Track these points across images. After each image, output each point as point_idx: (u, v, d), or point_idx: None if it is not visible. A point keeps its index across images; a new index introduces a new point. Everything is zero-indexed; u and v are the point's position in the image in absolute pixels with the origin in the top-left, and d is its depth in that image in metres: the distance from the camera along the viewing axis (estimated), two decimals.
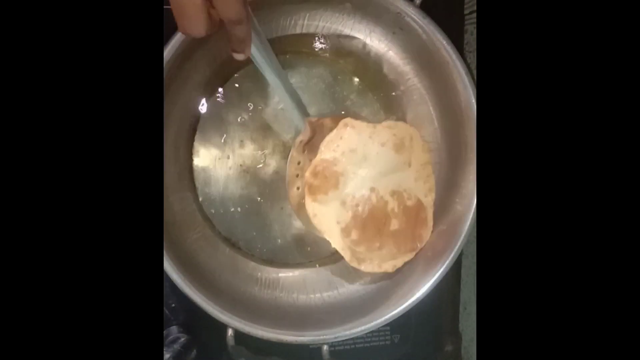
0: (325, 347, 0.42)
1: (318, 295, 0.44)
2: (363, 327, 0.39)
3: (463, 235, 0.39)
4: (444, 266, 0.39)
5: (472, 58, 0.45)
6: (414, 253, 0.42)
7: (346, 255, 0.40)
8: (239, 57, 0.32)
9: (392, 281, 0.42)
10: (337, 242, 0.40)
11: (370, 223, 0.40)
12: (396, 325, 0.47)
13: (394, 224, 0.41)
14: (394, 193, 0.41)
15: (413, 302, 0.39)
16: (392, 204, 0.41)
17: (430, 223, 0.42)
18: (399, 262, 0.42)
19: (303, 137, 0.40)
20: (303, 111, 0.41)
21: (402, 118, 0.44)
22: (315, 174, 0.39)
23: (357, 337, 0.47)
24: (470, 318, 0.49)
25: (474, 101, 0.38)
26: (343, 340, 0.46)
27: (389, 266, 0.42)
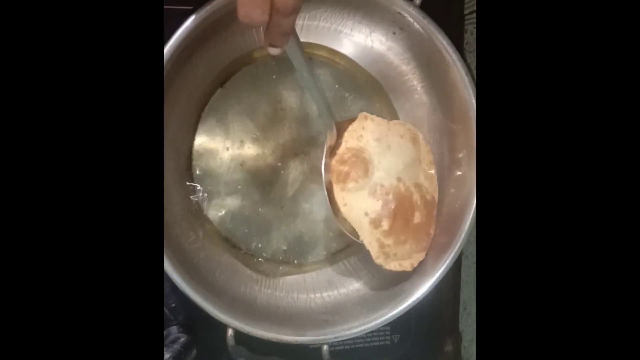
0: (325, 347, 0.42)
1: (318, 295, 0.44)
2: (363, 327, 0.39)
3: (463, 235, 0.39)
4: (444, 266, 0.39)
5: (472, 58, 0.45)
6: (424, 253, 0.41)
7: (373, 249, 0.39)
8: (275, 51, 0.30)
9: (392, 281, 0.42)
10: (365, 234, 0.39)
11: (399, 213, 0.39)
12: (396, 325, 0.47)
13: (417, 217, 0.40)
14: (416, 185, 0.40)
15: (413, 302, 0.39)
16: (416, 196, 0.40)
17: (435, 223, 0.42)
18: (415, 261, 0.41)
19: (331, 141, 0.39)
20: (331, 114, 0.39)
21: (402, 118, 0.44)
22: (343, 162, 0.38)
23: (357, 337, 0.47)
24: (470, 318, 0.49)
25: (474, 101, 0.38)
26: (343, 340, 0.46)
27: (407, 264, 0.40)
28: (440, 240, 0.41)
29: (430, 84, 0.43)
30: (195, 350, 0.43)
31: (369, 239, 0.39)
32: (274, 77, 0.44)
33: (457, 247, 0.39)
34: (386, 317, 0.39)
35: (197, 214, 0.43)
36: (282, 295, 0.44)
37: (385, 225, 0.39)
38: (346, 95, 0.45)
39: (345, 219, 0.39)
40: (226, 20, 0.37)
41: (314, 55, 0.44)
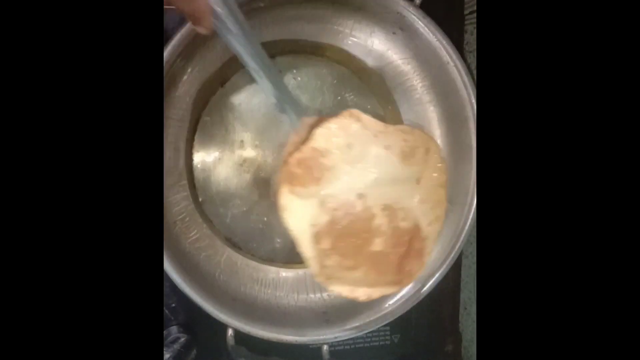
0: (325, 347, 0.42)
1: (318, 295, 0.44)
2: (363, 327, 0.39)
3: (463, 235, 0.39)
4: (444, 266, 0.39)
5: (472, 58, 0.45)
6: (398, 289, 0.36)
7: (314, 267, 0.34)
8: (201, 30, 0.29)
9: None
10: (305, 247, 0.34)
11: (347, 235, 0.34)
12: (396, 325, 0.47)
13: (377, 244, 0.34)
14: (386, 208, 0.35)
15: (413, 302, 0.39)
16: (381, 220, 0.34)
17: (426, 259, 0.36)
18: (375, 293, 0.35)
19: (297, 137, 0.35)
20: (297, 109, 0.36)
21: (401, 119, 0.44)
22: (299, 162, 0.33)
23: (357, 337, 0.47)
24: (470, 318, 0.49)
25: (474, 101, 0.38)
26: (343, 340, 0.46)
27: (362, 294, 0.35)
28: (440, 240, 0.41)
29: (430, 84, 0.43)
30: (195, 350, 0.43)
31: (307, 253, 0.34)
32: None
33: (457, 246, 0.40)
34: (386, 317, 0.39)
35: (197, 214, 0.43)
36: (282, 295, 0.44)
37: (326, 243, 0.34)
38: (346, 95, 0.45)
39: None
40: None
41: (314, 55, 0.44)
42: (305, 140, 0.35)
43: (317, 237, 0.34)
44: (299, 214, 0.34)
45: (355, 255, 0.34)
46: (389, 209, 0.35)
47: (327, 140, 0.34)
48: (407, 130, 0.36)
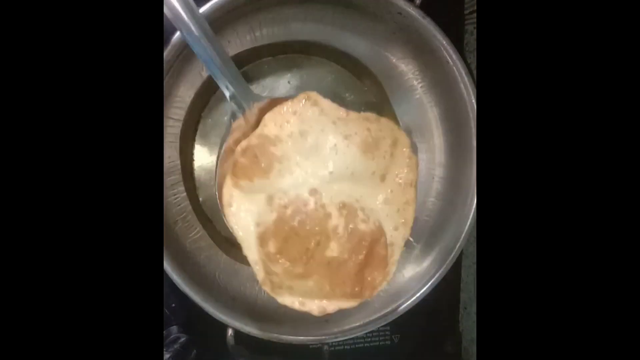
0: (325, 347, 0.42)
1: None
2: (363, 327, 0.39)
3: (463, 235, 0.39)
4: (444, 266, 0.39)
5: (472, 58, 0.45)
6: (357, 303, 0.31)
7: (259, 272, 0.30)
8: None
9: (392, 281, 0.42)
10: (250, 250, 0.30)
11: (297, 237, 0.30)
12: (396, 325, 0.47)
13: (332, 249, 0.30)
14: (344, 207, 0.30)
15: (413, 302, 0.39)
16: (337, 221, 0.30)
17: (392, 268, 0.31)
18: (330, 307, 0.31)
19: (245, 122, 0.30)
20: (246, 92, 0.30)
21: (401, 118, 0.44)
22: (245, 151, 0.28)
23: (357, 337, 0.47)
24: (470, 318, 0.49)
25: (474, 101, 0.38)
26: (343, 340, 0.46)
27: (314, 307, 0.31)
28: (440, 240, 0.41)
29: (430, 84, 0.43)
30: (195, 350, 0.43)
31: (253, 256, 0.30)
32: (275, 76, 0.44)
33: (457, 246, 0.40)
34: (386, 317, 0.39)
35: (197, 214, 0.43)
36: None
37: (272, 246, 0.29)
38: (346, 95, 0.45)
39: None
40: (226, 20, 0.37)
41: (313, 55, 0.44)
42: (254, 126, 0.30)
43: (262, 238, 0.29)
44: (243, 212, 0.29)
45: (306, 262, 0.30)
46: (347, 209, 0.30)
47: (278, 127, 0.29)
48: (371, 118, 0.31)
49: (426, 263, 0.41)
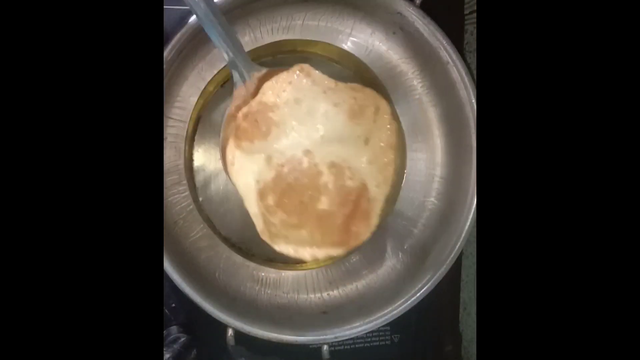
0: (325, 347, 0.42)
1: (318, 295, 0.44)
2: (363, 327, 0.39)
3: (463, 235, 0.39)
4: (444, 266, 0.39)
5: (472, 58, 0.45)
6: (344, 251, 0.35)
7: (258, 223, 0.34)
8: None
9: (392, 281, 0.42)
10: (251, 204, 0.34)
11: (293, 191, 0.34)
12: (396, 325, 0.47)
13: (323, 202, 0.34)
14: (333, 166, 0.34)
15: (413, 302, 0.39)
16: (327, 178, 0.34)
17: (374, 221, 0.35)
18: (320, 254, 0.35)
19: (246, 91, 0.34)
20: (247, 64, 0.34)
21: (401, 118, 0.44)
22: (246, 116, 0.33)
23: (357, 337, 0.47)
24: (470, 318, 0.49)
25: (474, 101, 0.38)
26: (343, 340, 0.46)
27: (306, 254, 0.35)
28: (440, 240, 0.41)
29: (430, 83, 0.43)
30: (195, 350, 0.43)
31: (253, 209, 0.34)
32: None
33: (457, 246, 0.40)
34: (386, 317, 0.39)
35: (197, 214, 0.43)
36: (282, 295, 0.44)
37: (270, 200, 0.33)
38: None
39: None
40: (226, 20, 0.37)
41: (315, 55, 0.44)
42: (254, 94, 0.34)
43: (262, 193, 0.34)
44: (245, 170, 0.33)
45: (300, 213, 0.34)
46: (336, 167, 0.34)
47: (275, 95, 0.33)
48: (357, 88, 0.35)
49: (426, 263, 0.41)
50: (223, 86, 0.43)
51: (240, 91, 0.35)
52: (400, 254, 0.44)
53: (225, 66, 0.42)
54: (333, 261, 0.39)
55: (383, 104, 0.35)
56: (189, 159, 0.43)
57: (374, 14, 0.41)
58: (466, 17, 0.46)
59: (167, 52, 0.35)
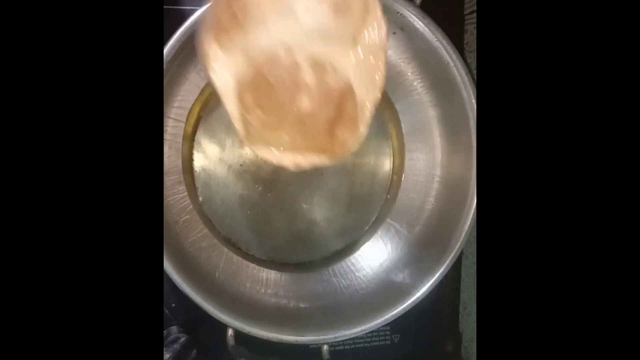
0: (325, 347, 0.42)
1: (318, 295, 0.44)
2: (363, 327, 0.39)
3: (463, 235, 0.39)
4: (444, 266, 0.39)
5: (472, 58, 0.45)
6: (327, 158, 0.33)
7: (238, 125, 0.32)
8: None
9: (392, 281, 0.42)
10: (231, 105, 0.32)
11: (272, 90, 0.32)
12: (396, 325, 0.47)
13: (304, 103, 0.32)
14: (315, 64, 0.32)
15: (413, 302, 0.39)
16: (308, 76, 0.32)
17: (362, 128, 0.33)
18: (303, 161, 0.33)
19: None
20: None
21: (401, 118, 0.44)
22: (226, 7, 0.30)
23: (357, 337, 0.47)
24: (470, 318, 0.49)
25: (474, 101, 0.38)
26: (343, 340, 0.46)
27: (288, 160, 0.33)
28: (441, 239, 0.41)
29: (430, 84, 0.43)
30: (195, 350, 0.43)
31: (233, 110, 0.32)
32: None
33: (457, 246, 0.40)
34: (386, 317, 0.39)
35: (197, 214, 0.43)
36: (282, 295, 0.44)
37: (249, 98, 0.32)
38: None
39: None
40: None
41: None
42: None
43: (241, 92, 0.32)
44: (224, 67, 0.31)
45: (279, 112, 0.32)
46: (319, 66, 0.32)
47: None
48: None
49: (426, 263, 0.41)
50: None
51: None
52: (400, 253, 0.44)
53: None
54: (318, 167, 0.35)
55: (375, 4, 0.32)
56: (189, 159, 0.43)
57: None
58: (466, 17, 0.46)
59: (167, 52, 0.35)
